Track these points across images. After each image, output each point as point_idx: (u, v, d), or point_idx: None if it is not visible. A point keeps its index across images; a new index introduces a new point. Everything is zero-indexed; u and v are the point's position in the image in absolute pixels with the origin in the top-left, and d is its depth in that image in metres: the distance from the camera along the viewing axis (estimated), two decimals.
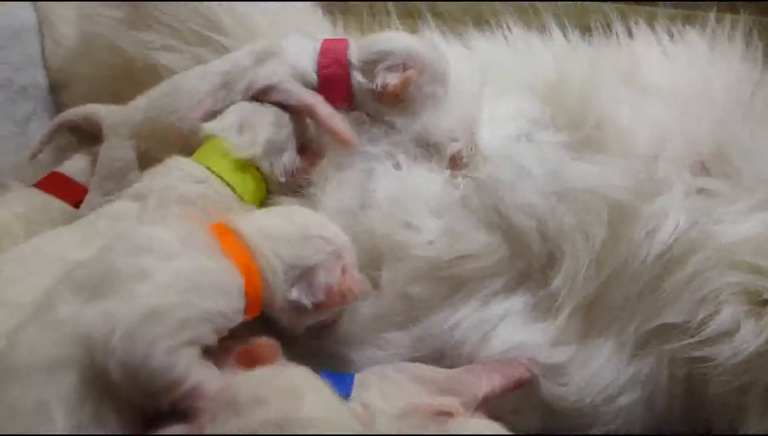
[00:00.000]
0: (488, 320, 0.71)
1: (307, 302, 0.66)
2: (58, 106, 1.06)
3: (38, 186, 0.90)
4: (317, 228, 0.68)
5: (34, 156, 0.94)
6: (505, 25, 0.88)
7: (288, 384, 0.54)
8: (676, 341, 0.66)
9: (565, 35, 0.86)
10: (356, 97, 0.82)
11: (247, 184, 0.77)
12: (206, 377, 0.54)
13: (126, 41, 0.95)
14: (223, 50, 0.90)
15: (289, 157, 0.80)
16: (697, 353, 0.65)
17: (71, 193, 0.90)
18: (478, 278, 0.72)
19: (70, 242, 0.71)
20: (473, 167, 0.76)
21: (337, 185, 0.78)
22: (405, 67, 0.80)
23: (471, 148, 0.77)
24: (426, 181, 0.77)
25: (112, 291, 0.55)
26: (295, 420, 0.50)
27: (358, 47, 0.83)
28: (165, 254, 0.58)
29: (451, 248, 0.72)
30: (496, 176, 0.73)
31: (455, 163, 0.78)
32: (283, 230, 0.66)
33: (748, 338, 0.63)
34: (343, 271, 0.68)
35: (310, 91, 0.81)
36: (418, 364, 0.68)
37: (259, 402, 0.52)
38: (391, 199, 0.76)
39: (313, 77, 0.82)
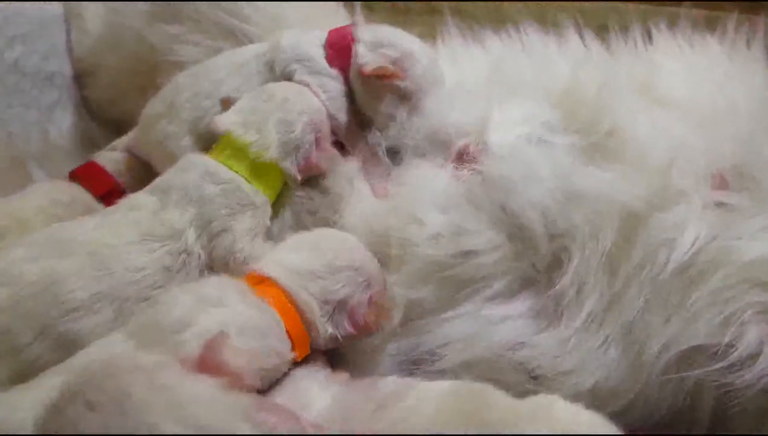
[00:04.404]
0: (486, 321, 0.70)
1: (339, 335, 0.66)
2: (82, 96, 1.08)
3: (73, 175, 0.87)
4: (345, 257, 0.67)
5: None
6: (522, 30, 0.87)
7: None
8: (702, 367, 0.63)
9: (582, 40, 0.84)
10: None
11: (269, 182, 0.77)
12: None
13: (152, 33, 0.95)
14: (246, 42, 0.91)
15: (304, 152, 0.78)
16: (723, 380, 0.62)
17: (99, 184, 0.86)
18: (480, 278, 0.71)
19: (86, 226, 0.71)
20: (480, 163, 0.74)
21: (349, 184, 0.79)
22: (397, 64, 0.80)
23: (478, 145, 0.76)
24: (431, 176, 0.76)
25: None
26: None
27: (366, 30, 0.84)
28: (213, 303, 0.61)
29: (455, 243, 0.71)
30: (503, 173, 0.72)
31: (461, 158, 0.77)
32: (309, 264, 0.66)
33: None
34: (371, 301, 0.67)
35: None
36: None
37: None
38: (399, 193, 0.76)
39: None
